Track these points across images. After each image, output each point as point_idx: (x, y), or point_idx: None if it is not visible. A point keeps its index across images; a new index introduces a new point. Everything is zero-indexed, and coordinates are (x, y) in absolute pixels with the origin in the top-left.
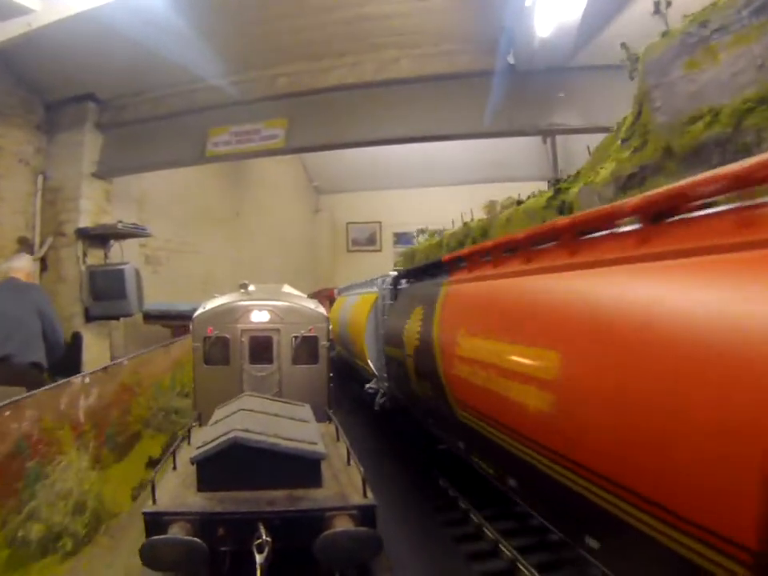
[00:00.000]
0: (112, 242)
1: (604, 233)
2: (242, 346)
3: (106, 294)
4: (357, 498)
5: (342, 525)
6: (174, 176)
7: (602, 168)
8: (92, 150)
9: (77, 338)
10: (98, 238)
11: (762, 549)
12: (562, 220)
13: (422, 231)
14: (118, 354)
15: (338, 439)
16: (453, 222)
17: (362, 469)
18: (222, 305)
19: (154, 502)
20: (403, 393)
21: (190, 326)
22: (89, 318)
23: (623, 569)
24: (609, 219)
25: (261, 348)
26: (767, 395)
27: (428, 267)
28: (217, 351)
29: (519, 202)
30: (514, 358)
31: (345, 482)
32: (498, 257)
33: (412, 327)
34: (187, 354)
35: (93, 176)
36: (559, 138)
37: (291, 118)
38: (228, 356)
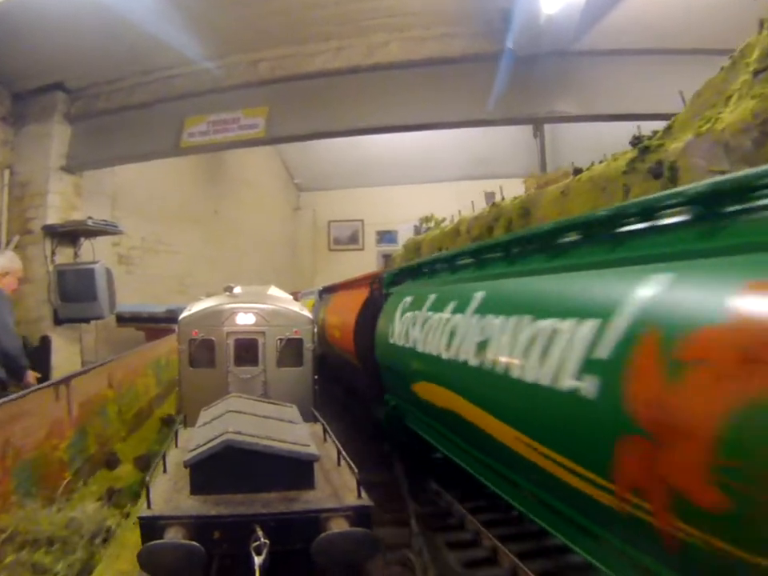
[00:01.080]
0: (82, 240)
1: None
2: (227, 349)
3: (76, 295)
4: (351, 499)
5: (338, 526)
6: (149, 171)
7: (720, 113)
8: (61, 143)
9: (45, 342)
10: (68, 235)
11: (358, 352)
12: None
13: (426, 220)
14: (89, 359)
15: (324, 440)
16: (473, 205)
17: (355, 469)
18: (207, 307)
19: (149, 506)
20: (322, 349)
21: (176, 329)
22: (58, 320)
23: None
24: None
25: (246, 350)
26: (353, 314)
27: (333, 287)
28: (202, 354)
29: (577, 170)
30: (337, 321)
31: (337, 483)
32: (343, 287)
33: (322, 316)
34: (122, 375)
35: (62, 170)
36: (547, 134)
37: (272, 106)
38: (213, 358)
